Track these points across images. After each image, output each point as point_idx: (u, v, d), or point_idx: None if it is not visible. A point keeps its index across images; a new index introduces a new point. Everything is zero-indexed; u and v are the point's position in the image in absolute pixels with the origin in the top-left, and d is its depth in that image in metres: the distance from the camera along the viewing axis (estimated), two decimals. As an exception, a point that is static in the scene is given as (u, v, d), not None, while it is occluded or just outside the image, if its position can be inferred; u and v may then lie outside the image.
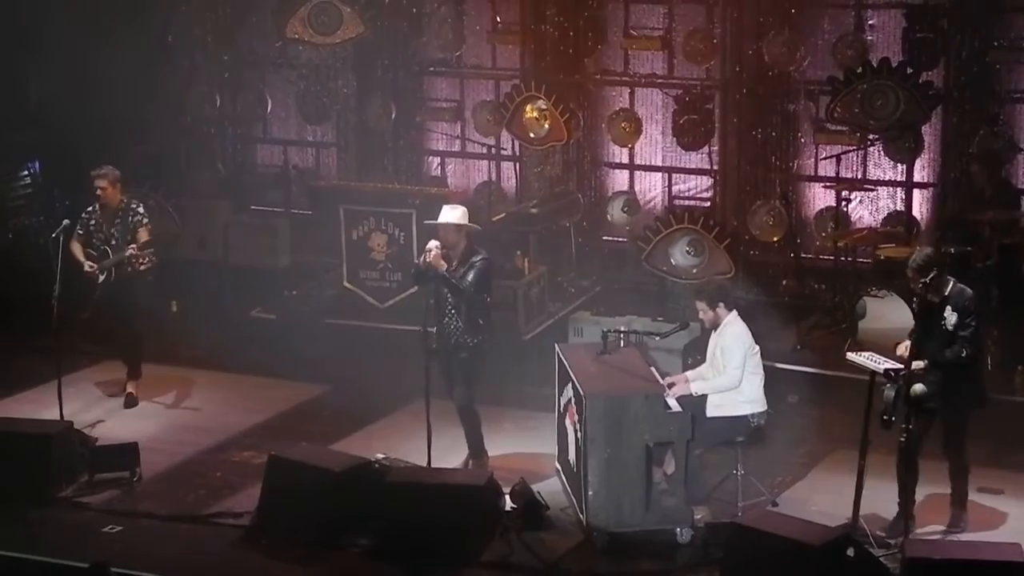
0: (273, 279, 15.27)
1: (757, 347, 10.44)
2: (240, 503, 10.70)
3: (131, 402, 12.51)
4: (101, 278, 12.17)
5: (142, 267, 12.24)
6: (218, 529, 10.41)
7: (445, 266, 10.75)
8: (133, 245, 12.07)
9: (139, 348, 12.64)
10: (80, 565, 9.38)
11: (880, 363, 9.73)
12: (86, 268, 12.18)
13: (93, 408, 12.50)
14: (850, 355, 10.13)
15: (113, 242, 12.21)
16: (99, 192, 12.24)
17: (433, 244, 10.75)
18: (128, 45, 15.84)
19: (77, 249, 12.26)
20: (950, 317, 9.74)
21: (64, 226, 12.02)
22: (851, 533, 9.43)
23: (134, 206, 12.38)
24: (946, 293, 9.79)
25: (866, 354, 9.92)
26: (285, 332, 14.15)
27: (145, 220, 12.34)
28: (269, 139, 17.07)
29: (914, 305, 9.96)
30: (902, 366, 9.62)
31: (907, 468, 9.95)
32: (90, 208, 12.39)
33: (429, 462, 10.66)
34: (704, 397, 10.33)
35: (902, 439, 9.69)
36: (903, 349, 9.84)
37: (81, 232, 12.33)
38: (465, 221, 10.86)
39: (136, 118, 16.12)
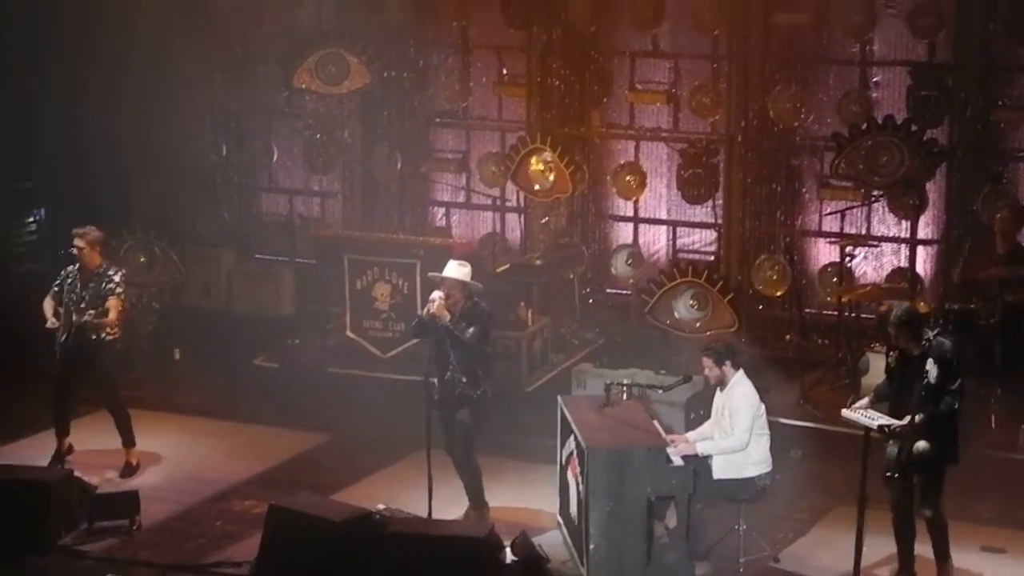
0: (276, 327, 15.27)
1: (763, 406, 10.38)
2: (240, 552, 10.66)
3: (128, 471, 12.20)
4: (62, 338, 11.88)
5: (109, 338, 11.98)
6: (217, 578, 10.38)
7: (449, 317, 10.75)
8: (91, 311, 11.77)
9: (124, 416, 12.30)
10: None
11: (875, 419, 9.70)
12: (48, 324, 11.93)
13: (93, 455, 12.44)
14: (845, 412, 10.10)
15: (83, 304, 11.84)
16: (76, 251, 11.95)
17: (437, 295, 10.76)
18: (135, 92, 15.92)
19: (48, 305, 12.01)
20: (932, 370, 9.57)
21: (68, 272, 11.99)
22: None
23: (111, 273, 12.01)
24: (926, 347, 9.75)
25: (860, 411, 9.89)
26: (288, 381, 14.11)
27: (118, 290, 11.95)
28: (274, 188, 17.11)
29: (890, 359, 9.91)
30: (897, 422, 9.57)
31: (904, 524, 9.90)
32: (70, 267, 12.08)
33: (430, 513, 10.63)
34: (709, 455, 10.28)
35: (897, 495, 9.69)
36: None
37: (57, 288, 12.05)
38: (469, 279, 10.88)
39: (142, 166, 16.17)
